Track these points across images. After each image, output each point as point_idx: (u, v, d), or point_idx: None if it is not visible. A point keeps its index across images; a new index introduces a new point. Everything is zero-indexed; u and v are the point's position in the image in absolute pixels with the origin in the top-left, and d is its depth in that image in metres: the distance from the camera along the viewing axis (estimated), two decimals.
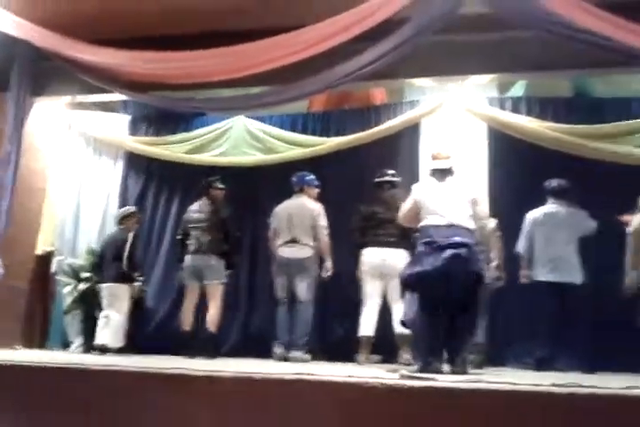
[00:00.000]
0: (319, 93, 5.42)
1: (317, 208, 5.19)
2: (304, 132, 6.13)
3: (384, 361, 4.85)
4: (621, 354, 4.62)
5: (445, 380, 2.67)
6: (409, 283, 3.83)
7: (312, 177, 5.37)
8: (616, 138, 5.31)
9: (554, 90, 5.80)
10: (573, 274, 4.82)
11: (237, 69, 4.72)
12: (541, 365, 4.63)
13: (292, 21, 4.46)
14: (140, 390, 2.75)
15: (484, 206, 4.04)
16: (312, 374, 2.67)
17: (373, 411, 2.42)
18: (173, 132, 6.38)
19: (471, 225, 3.81)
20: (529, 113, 5.66)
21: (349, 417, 2.45)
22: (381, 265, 4.88)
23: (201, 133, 6.25)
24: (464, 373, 3.53)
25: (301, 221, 5.13)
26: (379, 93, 6.27)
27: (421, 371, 3.50)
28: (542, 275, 4.89)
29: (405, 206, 4.10)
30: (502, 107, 5.71)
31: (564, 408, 2.29)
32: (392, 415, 2.41)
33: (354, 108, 6.25)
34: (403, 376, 2.82)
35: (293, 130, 6.15)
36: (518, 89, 5.89)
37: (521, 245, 5.02)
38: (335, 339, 5.43)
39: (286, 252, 5.11)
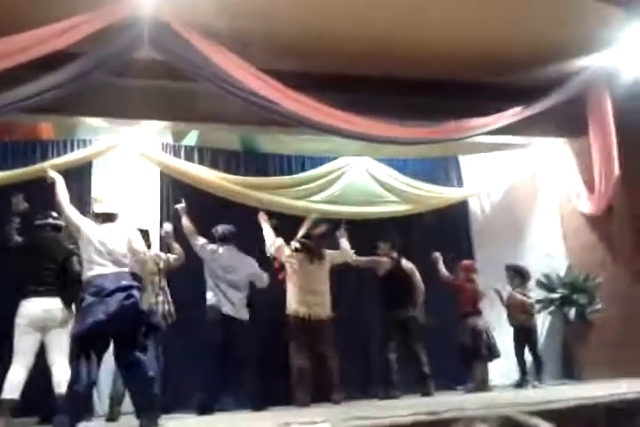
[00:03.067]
0: None
1: None
2: None
3: (42, 421, 4.33)
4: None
5: None
6: (82, 338, 3.52)
7: None
8: (276, 190, 5.95)
9: (225, 142, 6.19)
10: (240, 312, 5.01)
11: None
12: (204, 408, 4.66)
13: None
14: None
15: (139, 242, 3.97)
16: None
17: None
18: None
19: (134, 269, 3.81)
20: (201, 162, 5.94)
21: None
22: (44, 317, 4.33)
23: None
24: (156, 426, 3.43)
25: None
26: (45, 128, 5.85)
27: None
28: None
29: None
30: (177, 154, 5.88)
31: None
32: None
33: (16, 142, 5.67)
34: None
35: None
36: (191, 138, 6.13)
37: None
38: None
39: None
